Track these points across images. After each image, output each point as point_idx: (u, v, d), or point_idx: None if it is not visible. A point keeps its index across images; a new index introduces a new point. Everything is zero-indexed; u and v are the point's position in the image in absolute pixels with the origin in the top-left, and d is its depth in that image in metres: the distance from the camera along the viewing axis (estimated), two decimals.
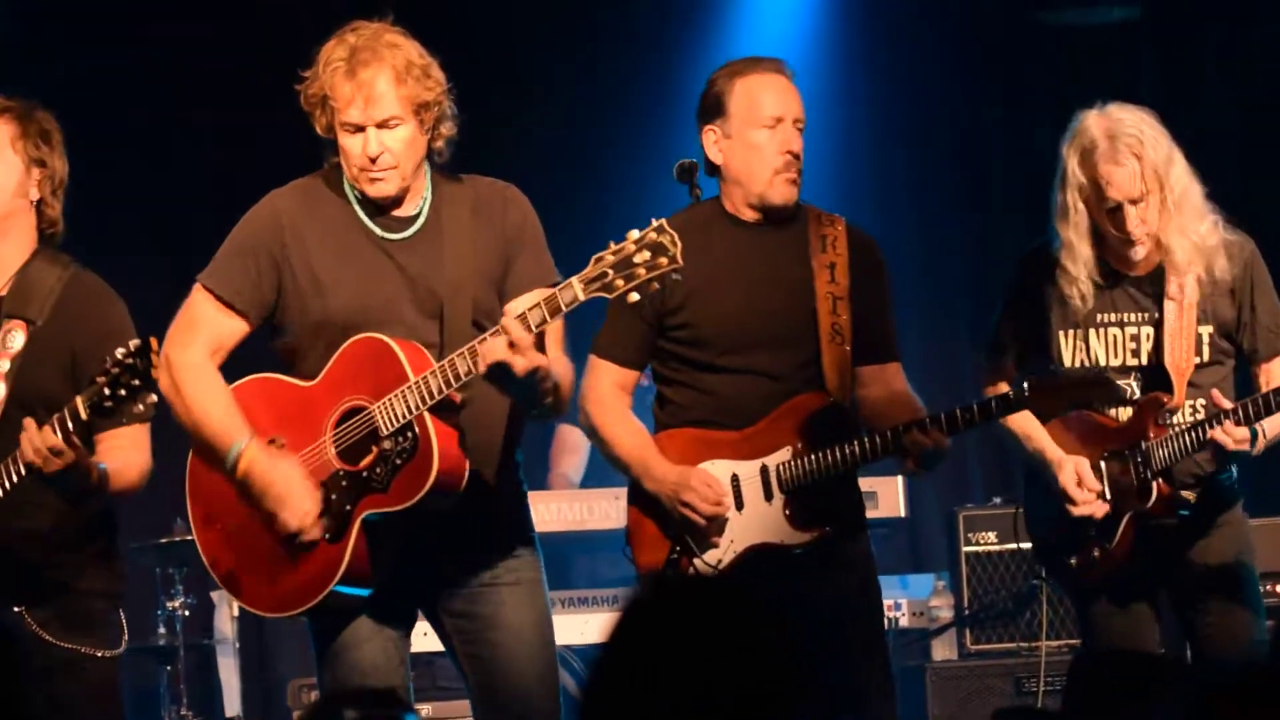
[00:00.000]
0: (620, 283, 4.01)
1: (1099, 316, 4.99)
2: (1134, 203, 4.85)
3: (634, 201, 7.66)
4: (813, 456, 4.76)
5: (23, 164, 4.51)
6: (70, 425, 4.20)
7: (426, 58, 4.34)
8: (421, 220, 4.39)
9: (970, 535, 7.16)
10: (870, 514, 5.13)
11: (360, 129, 4.28)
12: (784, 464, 4.79)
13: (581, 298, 4.03)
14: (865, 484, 5.05)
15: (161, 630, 7.38)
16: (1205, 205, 4.92)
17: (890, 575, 7.00)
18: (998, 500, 7.36)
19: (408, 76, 4.27)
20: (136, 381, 4.13)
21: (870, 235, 5.01)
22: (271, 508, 4.24)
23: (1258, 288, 5.01)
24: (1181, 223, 4.88)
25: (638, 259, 4.01)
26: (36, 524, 4.45)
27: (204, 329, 4.37)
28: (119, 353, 4.15)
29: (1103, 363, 4.97)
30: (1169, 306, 4.94)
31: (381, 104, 4.27)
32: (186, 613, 7.34)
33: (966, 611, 7.08)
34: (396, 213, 4.38)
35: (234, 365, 4.43)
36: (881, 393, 4.88)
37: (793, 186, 4.84)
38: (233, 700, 7.48)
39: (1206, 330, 4.98)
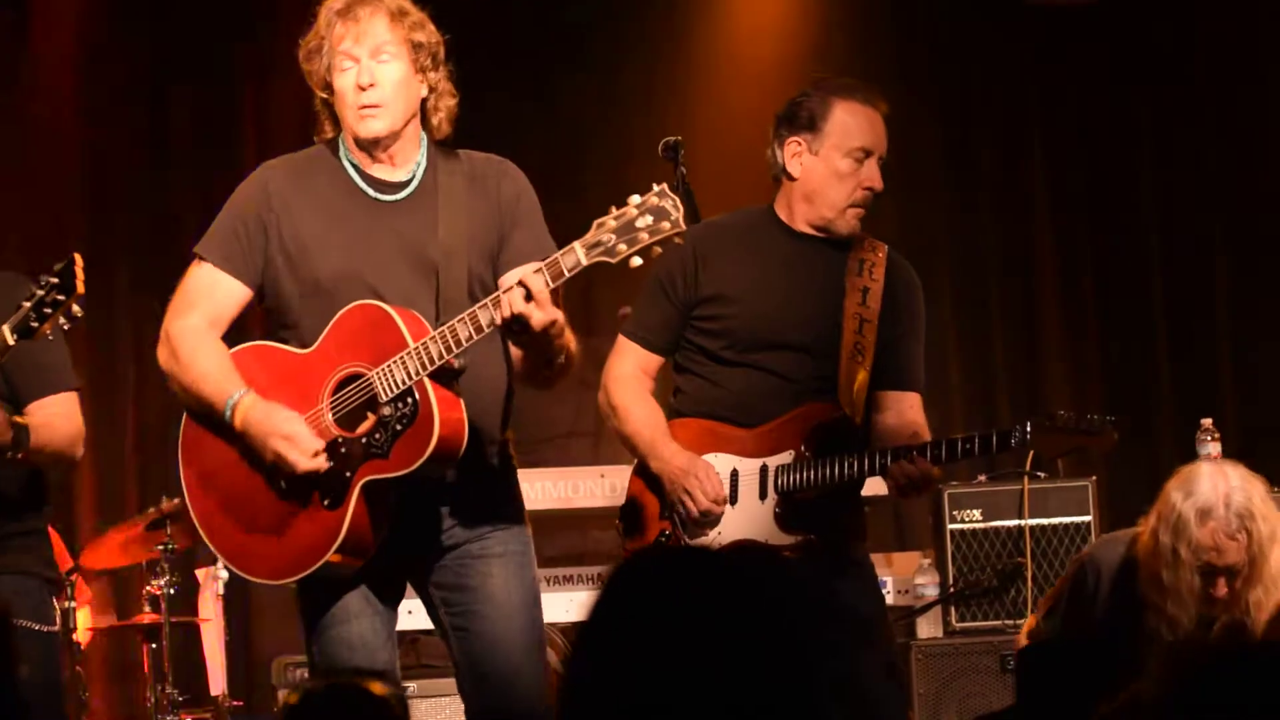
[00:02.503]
0: (623, 247, 4.02)
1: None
2: (1229, 573, 4.85)
3: (620, 182, 7.66)
4: (813, 464, 4.77)
5: None
6: None
7: (422, 13, 4.39)
8: (415, 184, 4.39)
9: (955, 513, 7.15)
10: None
11: (354, 63, 4.31)
12: (783, 467, 4.79)
13: (584, 262, 4.03)
14: None
15: (146, 608, 7.38)
16: None
17: (875, 553, 7.01)
18: (983, 478, 7.36)
19: (402, 18, 4.33)
20: (62, 296, 4.20)
21: (911, 267, 5.04)
22: (276, 450, 4.22)
23: None
24: (1271, 598, 4.86)
25: (640, 224, 4.02)
26: None
27: (202, 299, 4.37)
28: (42, 277, 4.22)
29: None
30: None
31: (375, 36, 4.31)
32: (171, 591, 7.33)
33: (951, 589, 7.09)
34: (389, 177, 4.39)
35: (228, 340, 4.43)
36: (894, 420, 4.90)
37: (858, 222, 4.89)
38: (217, 678, 7.47)
39: None
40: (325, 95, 4.38)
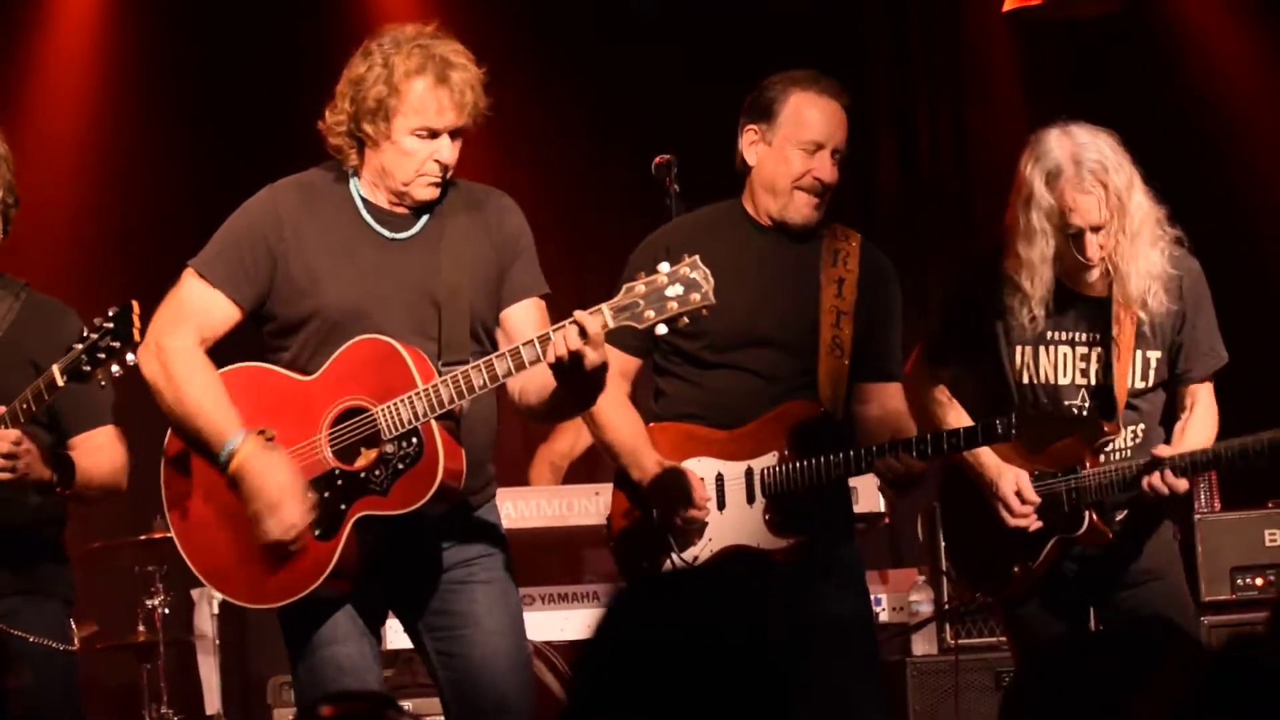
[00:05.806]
0: (650, 314, 4.03)
1: (1049, 334, 4.95)
2: (1095, 230, 4.83)
3: (611, 202, 7.68)
4: (797, 464, 4.76)
5: None
6: (45, 395, 4.26)
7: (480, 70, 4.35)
8: (423, 222, 4.38)
9: None
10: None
11: (434, 135, 4.28)
12: (768, 468, 4.79)
13: (611, 325, 4.04)
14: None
15: (141, 628, 7.38)
16: (1159, 231, 4.86)
17: (870, 570, 7.01)
18: None
19: (481, 87, 4.31)
20: (116, 343, 4.19)
21: (885, 255, 5.01)
22: (259, 511, 4.21)
23: (1199, 308, 4.97)
24: (1136, 250, 4.84)
25: (670, 292, 4.03)
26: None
27: (194, 316, 4.32)
28: (96, 320, 4.21)
29: (1052, 380, 4.95)
30: (1115, 329, 4.92)
31: (466, 111, 4.28)
32: (166, 610, 7.34)
33: (946, 606, 7.09)
34: (400, 212, 4.38)
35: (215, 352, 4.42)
36: (877, 411, 4.90)
37: (813, 211, 4.86)
38: (213, 697, 7.47)
39: (1155, 355, 4.95)
40: (366, 130, 4.30)
